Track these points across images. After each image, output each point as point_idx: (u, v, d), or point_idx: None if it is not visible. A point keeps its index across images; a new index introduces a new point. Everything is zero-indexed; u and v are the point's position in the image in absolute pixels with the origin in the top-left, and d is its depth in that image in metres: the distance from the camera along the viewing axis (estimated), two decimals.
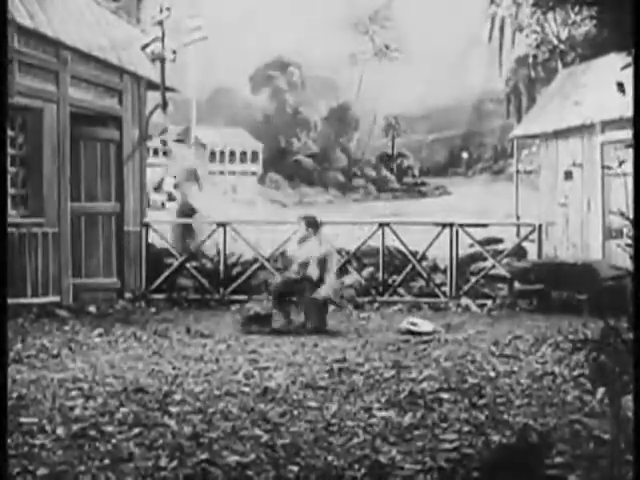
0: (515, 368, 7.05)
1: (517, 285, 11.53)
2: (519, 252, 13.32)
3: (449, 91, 74.14)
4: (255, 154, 67.37)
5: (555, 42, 23.23)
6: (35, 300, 10.10)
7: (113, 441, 4.81)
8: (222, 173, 65.39)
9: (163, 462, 4.44)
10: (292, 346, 8.27)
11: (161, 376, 6.70)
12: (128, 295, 11.70)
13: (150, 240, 12.67)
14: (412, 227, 13.50)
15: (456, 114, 74.59)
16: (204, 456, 4.54)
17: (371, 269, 12.52)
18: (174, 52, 12.31)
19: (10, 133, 9.97)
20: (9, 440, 4.54)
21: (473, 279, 12.19)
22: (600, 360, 3.93)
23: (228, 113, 70.92)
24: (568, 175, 14.45)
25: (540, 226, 12.50)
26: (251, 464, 4.43)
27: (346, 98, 72.11)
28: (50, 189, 10.44)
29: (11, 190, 10.10)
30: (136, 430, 5.04)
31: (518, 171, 19.04)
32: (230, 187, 63.87)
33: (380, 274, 12.20)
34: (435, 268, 12.75)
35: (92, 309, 10.54)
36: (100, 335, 8.80)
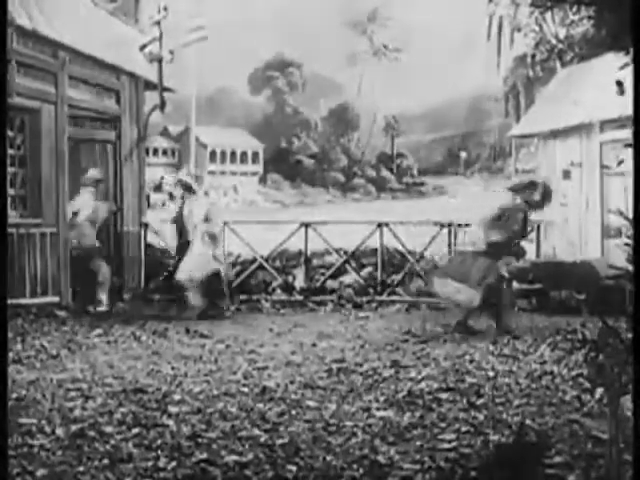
0: (514, 368, 7.05)
1: (516, 284, 11.51)
2: None
3: (447, 90, 74.26)
4: (256, 154, 67.40)
5: (553, 42, 23.20)
6: (34, 300, 10.09)
7: (112, 441, 4.81)
8: (223, 173, 65.47)
9: (162, 462, 4.45)
10: (290, 346, 8.27)
11: (160, 376, 6.70)
12: (127, 295, 11.70)
13: (149, 240, 12.67)
14: (411, 227, 13.49)
15: (454, 114, 74.70)
16: (203, 456, 4.55)
17: (370, 269, 12.53)
18: (172, 52, 12.30)
19: (9, 133, 9.95)
20: (9, 441, 4.54)
21: None
22: (599, 360, 3.93)
23: (228, 113, 71.02)
24: (567, 174, 14.45)
25: (539, 225, 12.50)
26: (250, 464, 4.44)
27: (346, 98, 72.17)
28: (48, 189, 10.43)
29: (10, 190, 10.09)
30: (135, 430, 5.04)
31: (517, 170, 19.06)
32: (231, 187, 63.93)
33: (378, 274, 12.20)
34: (434, 267, 12.73)
35: (91, 309, 10.54)
36: (99, 335, 8.80)
